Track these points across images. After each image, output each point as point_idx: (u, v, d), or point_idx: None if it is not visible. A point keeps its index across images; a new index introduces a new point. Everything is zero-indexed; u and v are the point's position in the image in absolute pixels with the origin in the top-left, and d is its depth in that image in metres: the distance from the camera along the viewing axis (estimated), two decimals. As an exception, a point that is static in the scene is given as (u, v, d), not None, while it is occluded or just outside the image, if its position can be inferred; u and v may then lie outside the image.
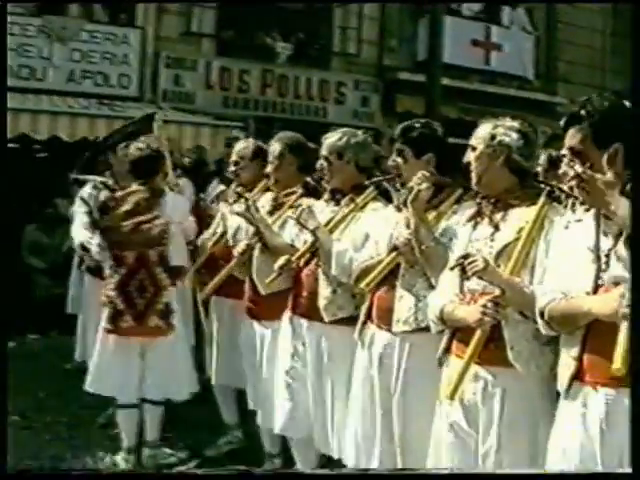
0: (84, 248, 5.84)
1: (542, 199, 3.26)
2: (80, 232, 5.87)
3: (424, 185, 3.70)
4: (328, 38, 15.07)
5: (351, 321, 4.15)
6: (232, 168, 5.61)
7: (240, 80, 14.12)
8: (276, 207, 5.01)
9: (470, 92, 14.97)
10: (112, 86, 13.18)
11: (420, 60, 14.75)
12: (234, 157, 5.59)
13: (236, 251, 4.90)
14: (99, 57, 13.13)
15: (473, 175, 3.44)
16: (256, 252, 4.77)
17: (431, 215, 3.78)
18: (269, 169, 5.02)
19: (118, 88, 13.21)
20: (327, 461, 4.54)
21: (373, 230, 4.10)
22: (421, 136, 3.93)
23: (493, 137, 3.38)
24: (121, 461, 5.37)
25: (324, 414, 4.35)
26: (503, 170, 3.38)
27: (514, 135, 3.37)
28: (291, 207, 4.78)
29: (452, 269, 3.32)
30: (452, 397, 3.19)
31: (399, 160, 3.95)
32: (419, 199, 3.68)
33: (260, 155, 5.41)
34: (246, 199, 4.79)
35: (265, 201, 5.15)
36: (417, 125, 3.96)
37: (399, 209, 3.93)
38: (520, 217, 3.30)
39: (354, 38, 15.14)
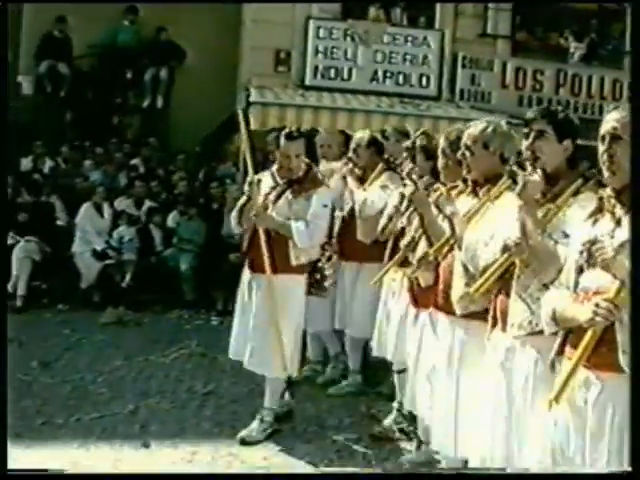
0: None
1: None
2: None
3: (535, 177, 3.56)
4: (620, 38, 14.86)
5: (483, 315, 3.98)
6: (350, 154, 6.52)
7: (534, 79, 14.21)
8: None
9: None
10: (412, 86, 13.67)
11: None
12: (353, 145, 6.53)
13: (402, 244, 5.14)
14: (400, 58, 13.66)
15: (613, 166, 3.12)
16: (422, 244, 4.80)
17: (546, 208, 3.60)
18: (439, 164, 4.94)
19: (418, 87, 13.67)
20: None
21: (501, 224, 3.85)
22: (565, 120, 3.76)
23: None
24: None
25: (447, 408, 4.30)
26: None
27: None
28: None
29: (581, 253, 3.11)
30: (557, 401, 3.03)
31: (539, 142, 3.71)
32: (528, 191, 3.52)
33: (374, 144, 6.42)
34: (414, 182, 4.88)
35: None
36: (560, 110, 3.82)
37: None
38: None
39: (647, 37, 14.83)
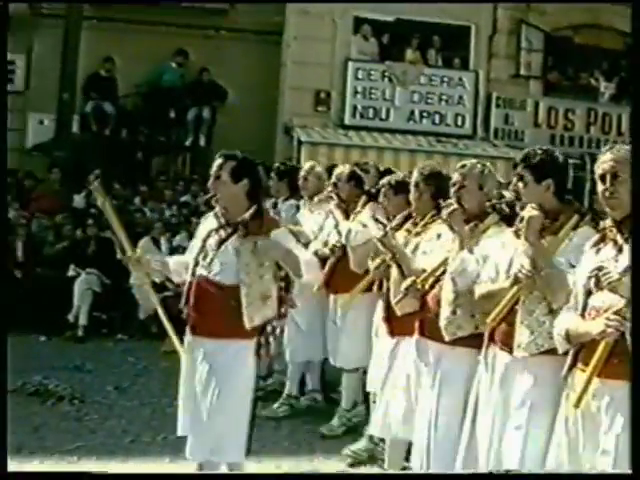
0: None
1: None
2: None
3: (535, 213, 3.87)
4: (649, 77, 15.28)
5: (470, 340, 4.33)
6: (330, 188, 6.62)
7: (566, 118, 14.65)
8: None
9: None
10: (448, 125, 14.14)
11: None
12: (333, 179, 6.60)
13: (373, 265, 5.35)
14: (436, 98, 14.14)
15: (615, 202, 3.46)
16: (392, 277, 5.07)
17: (548, 240, 3.92)
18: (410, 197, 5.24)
19: (453, 127, 14.13)
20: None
21: (493, 252, 4.24)
22: (541, 162, 4.03)
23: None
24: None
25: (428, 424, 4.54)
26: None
27: None
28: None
29: (589, 279, 3.45)
30: (577, 405, 3.34)
31: (520, 185, 4.06)
32: (531, 228, 3.85)
33: (353, 178, 6.48)
34: (384, 225, 5.21)
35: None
36: (539, 152, 4.08)
37: (517, 234, 4.04)
38: None
39: (676, 77, 15.25)
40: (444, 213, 4.53)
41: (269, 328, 4.59)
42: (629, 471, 2.99)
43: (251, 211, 4.58)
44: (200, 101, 14.35)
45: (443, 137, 13.74)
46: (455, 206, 4.47)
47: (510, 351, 3.93)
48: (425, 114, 14.13)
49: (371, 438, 5.77)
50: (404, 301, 4.81)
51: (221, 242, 4.60)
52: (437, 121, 14.14)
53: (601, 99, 14.98)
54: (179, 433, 4.82)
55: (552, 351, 3.74)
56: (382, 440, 5.55)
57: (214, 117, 14.44)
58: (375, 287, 5.78)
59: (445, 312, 4.43)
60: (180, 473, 4.32)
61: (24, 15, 13.64)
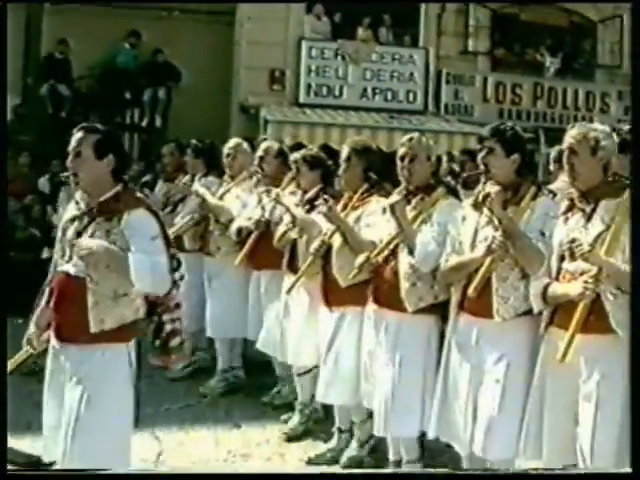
0: None
1: (627, 193, 3.79)
2: None
3: (495, 188, 4.13)
4: (591, 52, 15.83)
5: (431, 310, 4.60)
6: (256, 162, 6.52)
7: (513, 93, 15.10)
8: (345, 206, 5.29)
9: None
10: (400, 101, 14.47)
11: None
12: (260, 153, 6.52)
13: (312, 248, 5.27)
14: (388, 75, 14.48)
15: (574, 174, 3.88)
16: (336, 248, 5.11)
17: (511, 211, 4.16)
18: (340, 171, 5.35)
19: (405, 103, 14.48)
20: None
21: (451, 226, 4.45)
22: (513, 137, 4.28)
23: (595, 140, 3.84)
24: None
25: (391, 391, 4.68)
26: (597, 168, 3.86)
27: (608, 137, 3.88)
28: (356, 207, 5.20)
29: (563, 252, 3.85)
30: (563, 359, 3.69)
31: (490, 158, 4.24)
32: (496, 201, 4.09)
33: (281, 155, 6.45)
34: (326, 200, 5.13)
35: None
36: (508, 127, 4.33)
37: (476, 207, 4.29)
38: (607, 208, 3.79)
39: (616, 51, 15.80)
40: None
41: (167, 327, 4.04)
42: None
43: (114, 191, 3.95)
44: (155, 82, 14.43)
45: (395, 113, 14.04)
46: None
47: (484, 317, 4.18)
48: (377, 91, 14.44)
49: (302, 410, 5.94)
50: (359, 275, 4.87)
51: (79, 233, 3.93)
52: (389, 97, 14.47)
53: (547, 74, 15.45)
54: (45, 460, 4.16)
55: (526, 312, 4.09)
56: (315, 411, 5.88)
57: (169, 98, 14.56)
58: (284, 265, 5.87)
59: (405, 284, 4.61)
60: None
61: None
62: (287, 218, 5.75)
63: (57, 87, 14.19)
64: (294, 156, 5.99)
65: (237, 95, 14.42)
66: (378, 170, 5.24)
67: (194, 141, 7.50)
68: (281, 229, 5.86)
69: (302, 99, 14.27)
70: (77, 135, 3.96)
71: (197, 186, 6.98)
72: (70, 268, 3.92)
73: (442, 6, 14.85)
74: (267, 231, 6.21)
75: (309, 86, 14.32)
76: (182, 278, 4.05)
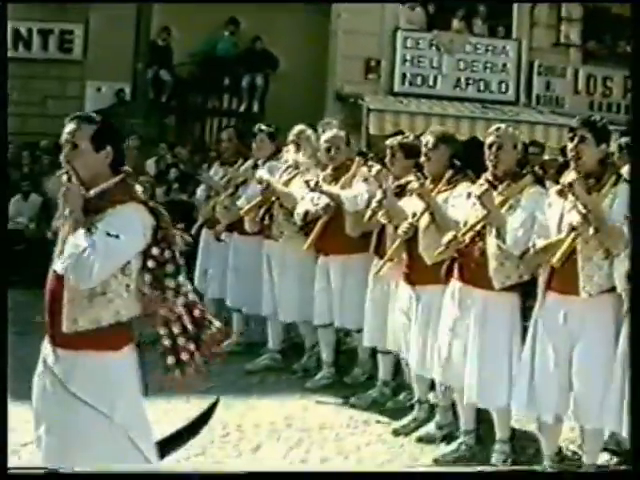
0: None
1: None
2: None
3: (575, 176, 4.53)
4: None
5: (514, 287, 4.94)
6: (329, 152, 6.50)
7: (604, 85, 15.31)
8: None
9: None
10: (492, 92, 14.74)
11: None
12: (329, 143, 6.50)
13: (401, 230, 5.46)
14: (481, 66, 14.77)
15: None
16: (423, 227, 5.34)
17: (594, 197, 4.48)
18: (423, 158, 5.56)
19: (497, 93, 14.75)
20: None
21: (539, 212, 4.79)
22: (603, 128, 4.67)
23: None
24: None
25: (481, 364, 5.01)
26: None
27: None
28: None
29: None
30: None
31: (582, 146, 4.56)
32: (578, 187, 4.46)
33: (350, 143, 6.62)
34: (418, 178, 5.39)
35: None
36: (598, 118, 4.73)
37: (561, 194, 4.63)
38: None
39: None
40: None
41: (165, 342, 3.61)
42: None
43: (100, 187, 3.61)
44: (253, 69, 14.91)
45: (488, 104, 14.33)
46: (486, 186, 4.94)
47: (570, 294, 4.56)
48: (470, 81, 14.75)
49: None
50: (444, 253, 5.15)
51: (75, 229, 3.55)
52: (482, 88, 14.77)
53: (638, 67, 15.59)
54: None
55: (609, 290, 4.48)
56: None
57: (267, 84, 15.01)
58: (371, 248, 6.04)
59: (493, 264, 4.92)
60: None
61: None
62: (373, 203, 5.83)
63: (159, 73, 14.75)
64: (390, 141, 6.15)
65: (333, 83, 14.80)
66: (461, 157, 5.60)
67: (263, 126, 7.68)
68: (406, 225, 5.81)
69: (397, 88, 14.62)
70: (71, 125, 3.63)
71: (262, 172, 7.09)
72: (59, 266, 3.57)
73: (535, -2, 15.07)
74: (335, 216, 6.33)
75: (404, 75, 14.66)
76: (179, 287, 3.61)
